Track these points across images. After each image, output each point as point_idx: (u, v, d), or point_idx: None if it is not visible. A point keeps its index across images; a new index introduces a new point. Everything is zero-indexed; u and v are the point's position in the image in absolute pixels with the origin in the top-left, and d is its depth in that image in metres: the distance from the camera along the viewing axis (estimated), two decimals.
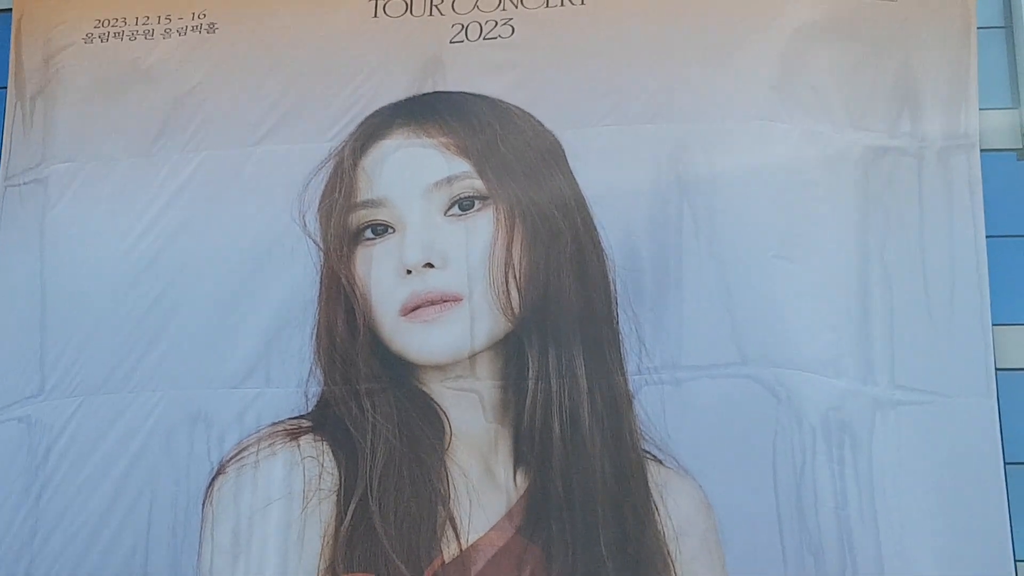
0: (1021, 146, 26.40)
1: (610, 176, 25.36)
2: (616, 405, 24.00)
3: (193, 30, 27.51)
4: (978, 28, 26.15)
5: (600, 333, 24.31)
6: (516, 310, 23.92)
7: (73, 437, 25.28)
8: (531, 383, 23.86)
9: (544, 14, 26.78)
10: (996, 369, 24.36)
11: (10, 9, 28.65)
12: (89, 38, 27.75)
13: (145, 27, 27.72)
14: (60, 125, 27.54)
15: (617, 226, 24.85)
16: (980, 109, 25.86)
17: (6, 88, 28.38)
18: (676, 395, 24.17)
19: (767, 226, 25.30)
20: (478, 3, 27.01)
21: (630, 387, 24.09)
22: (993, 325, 24.62)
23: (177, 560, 24.28)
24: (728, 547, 23.33)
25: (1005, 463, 23.90)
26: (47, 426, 25.38)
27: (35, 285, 26.53)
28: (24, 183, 27.35)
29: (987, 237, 25.12)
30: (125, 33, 27.72)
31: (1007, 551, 23.46)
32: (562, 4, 26.84)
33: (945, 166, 25.39)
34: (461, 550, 23.39)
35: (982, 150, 25.55)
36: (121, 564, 24.53)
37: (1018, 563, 23.30)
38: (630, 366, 24.17)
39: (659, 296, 24.73)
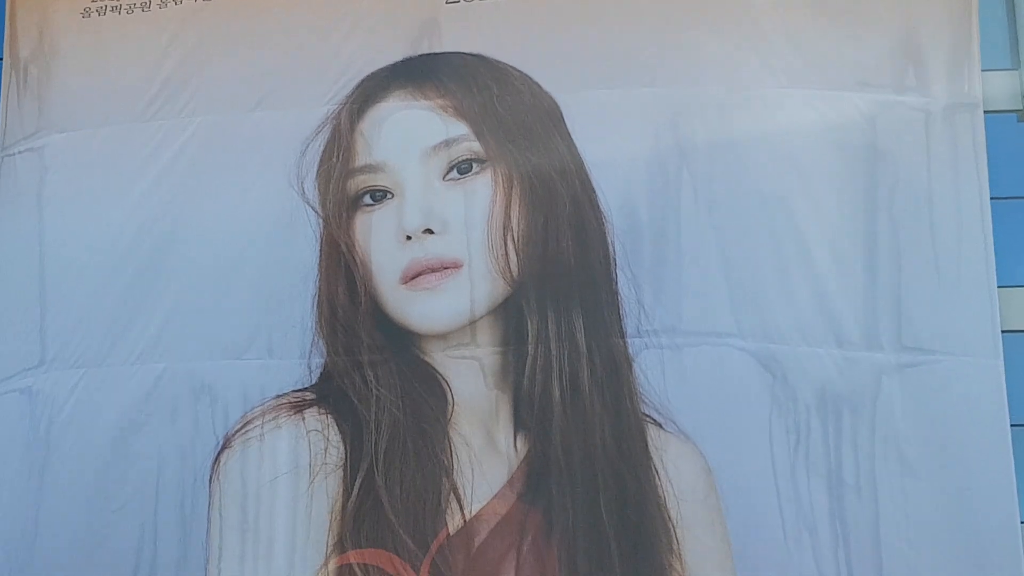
0: (1022, 107, 26.26)
1: (609, 139, 25.08)
2: (615, 368, 23.90)
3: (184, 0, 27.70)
4: None
5: (599, 295, 24.37)
6: (515, 274, 24.14)
7: (76, 409, 25.21)
8: (530, 347, 23.88)
9: None
10: (1002, 331, 24.44)
11: None
12: (87, 12, 27.54)
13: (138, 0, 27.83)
14: (56, 95, 27.40)
15: (616, 189, 24.84)
16: (981, 71, 25.57)
17: (1, 59, 28.22)
18: (676, 360, 24.01)
19: (768, 192, 25.16)
20: None
21: (629, 350, 23.89)
22: (999, 287, 24.60)
23: (186, 535, 24.11)
24: (728, 515, 23.59)
25: (1011, 426, 24.13)
26: (49, 398, 25.29)
27: (34, 256, 26.51)
28: (20, 152, 27.22)
29: (993, 199, 25.07)
30: (122, 7, 27.54)
31: (1013, 513, 23.67)
32: None
33: (950, 124, 25.30)
34: (465, 521, 23.35)
35: (984, 111, 25.29)
36: (129, 539, 24.39)
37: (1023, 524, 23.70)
38: (629, 328, 24.07)
39: (658, 260, 24.65)
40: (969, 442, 24.05)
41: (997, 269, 24.63)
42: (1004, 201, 25.21)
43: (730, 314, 24.38)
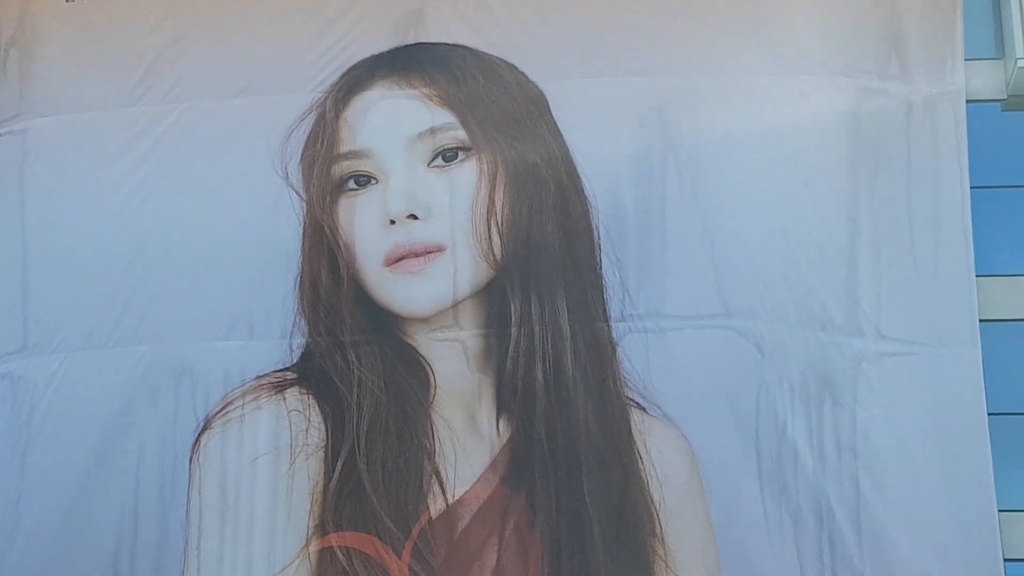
0: (1006, 96, 26.59)
1: (594, 127, 25.66)
2: (599, 352, 24.30)
3: None
4: None
5: (583, 280, 24.59)
6: (498, 257, 24.20)
7: (57, 393, 25.38)
8: (514, 330, 24.00)
9: None
10: (979, 319, 25.07)
11: None
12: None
13: None
14: (38, 79, 27.56)
15: (601, 175, 25.21)
16: (965, 60, 26.04)
17: None
18: (660, 344, 24.52)
19: (753, 179, 25.72)
20: None
21: (613, 334, 24.42)
22: (977, 276, 25.08)
23: (166, 517, 24.32)
24: (710, 500, 23.81)
25: (987, 413, 24.57)
26: (31, 382, 25.48)
27: (16, 240, 26.70)
28: (0, 135, 27.36)
29: (973, 188, 25.23)
30: None
31: (990, 499, 23.97)
32: None
33: (932, 114, 25.87)
34: (447, 505, 23.62)
35: (967, 100, 25.71)
36: (110, 522, 24.61)
37: (1001, 512, 23.81)
38: (613, 312, 24.49)
39: (643, 244, 25.18)
40: (948, 431, 24.27)
41: (977, 258, 24.80)
42: (986, 190, 25.37)
43: (717, 296, 24.50)
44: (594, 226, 24.74)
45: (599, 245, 24.66)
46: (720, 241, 25.15)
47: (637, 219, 25.13)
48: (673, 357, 24.51)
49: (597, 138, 25.49)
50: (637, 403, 23.99)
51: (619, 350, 24.19)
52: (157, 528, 24.35)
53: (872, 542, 23.87)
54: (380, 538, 23.40)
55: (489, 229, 24.24)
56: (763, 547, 23.81)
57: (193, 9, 27.28)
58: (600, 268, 24.67)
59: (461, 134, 24.74)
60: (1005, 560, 23.70)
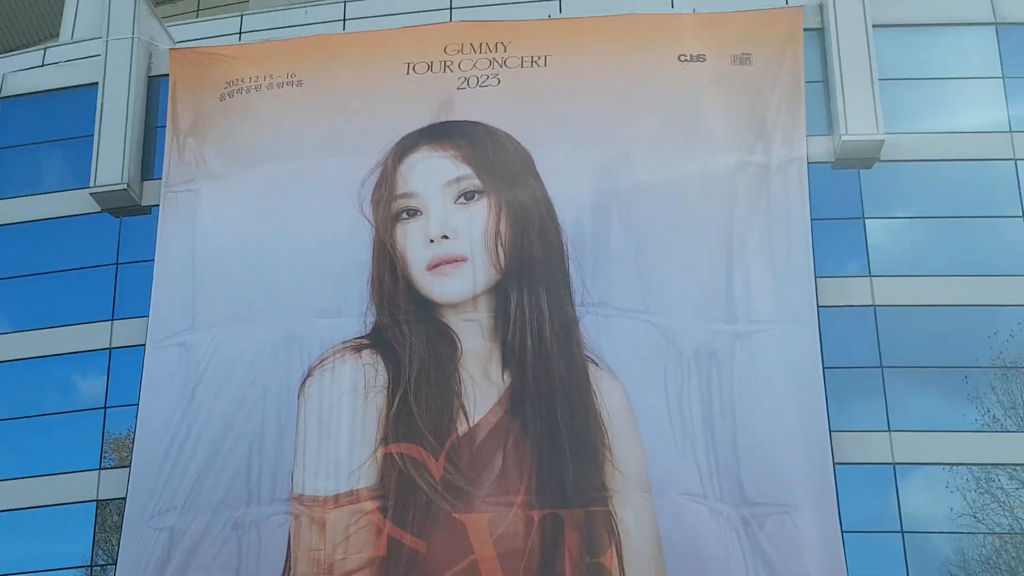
0: (834, 159, 26.51)
1: (564, 178, 26.03)
2: (567, 326, 24.86)
3: (288, 85, 27.68)
4: (805, 82, 26.51)
5: (556, 279, 25.16)
6: (502, 265, 25.00)
7: (213, 355, 25.63)
8: (512, 313, 24.84)
9: (520, 72, 27.22)
10: (818, 306, 24.82)
11: (167, 75, 28.58)
12: (222, 96, 27.94)
13: (256, 84, 27.91)
14: (205, 157, 27.62)
15: (569, 211, 25.73)
16: (807, 135, 26.13)
17: (164, 127, 28.21)
18: (606, 325, 24.85)
19: (668, 218, 25.71)
20: (476, 64, 27.34)
21: (577, 315, 24.92)
22: (817, 277, 25.05)
23: (282, 437, 24.71)
24: (640, 428, 24.00)
25: (824, 368, 24.42)
26: (197, 348, 25.81)
27: (188, 256, 26.83)
28: (179, 192, 27.42)
29: (812, 220, 25.37)
30: (244, 89, 27.96)
31: (824, 433, 23.96)
32: (532, 66, 27.22)
33: (785, 172, 26.03)
34: (469, 427, 24.17)
35: (808, 163, 25.91)
36: (245, 436, 24.92)
37: (832, 433, 23.91)
38: (576, 301, 25.01)
39: (596, 258, 25.49)
40: (797, 381, 24.45)
41: (816, 264, 25.10)
42: (821, 221, 25.54)
43: (640, 297, 24.95)
44: (564, 244, 25.30)
45: (568, 257, 25.19)
46: (644, 260, 25.38)
47: (592, 241, 25.45)
48: (614, 334, 24.83)
49: (566, 186, 25.80)
50: (592, 360, 24.50)
51: (580, 326, 24.71)
52: (277, 444, 24.64)
53: (746, 459, 23.89)
54: (424, 448, 24.20)
55: (496, 246, 25.08)
56: (673, 457, 23.87)
57: (299, 103, 27.34)
58: (568, 272, 25.12)
59: (476, 182, 25.54)
60: (835, 463, 23.66)
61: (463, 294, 25.09)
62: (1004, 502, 24.34)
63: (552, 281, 25.14)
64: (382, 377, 24.80)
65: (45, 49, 31.22)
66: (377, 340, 25.18)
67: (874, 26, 26.87)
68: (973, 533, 23.99)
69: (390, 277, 25.48)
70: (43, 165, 29.04)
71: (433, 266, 25.16)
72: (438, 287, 25.20)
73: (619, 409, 24.38)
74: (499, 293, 25.11)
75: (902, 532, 23.97)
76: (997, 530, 24.18)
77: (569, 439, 24.13)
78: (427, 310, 25.18)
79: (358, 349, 25.12)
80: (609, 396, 24.43)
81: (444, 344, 25.00)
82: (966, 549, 23.93)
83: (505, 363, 24.62)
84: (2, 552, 25.71)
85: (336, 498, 24.12)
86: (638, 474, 23.92)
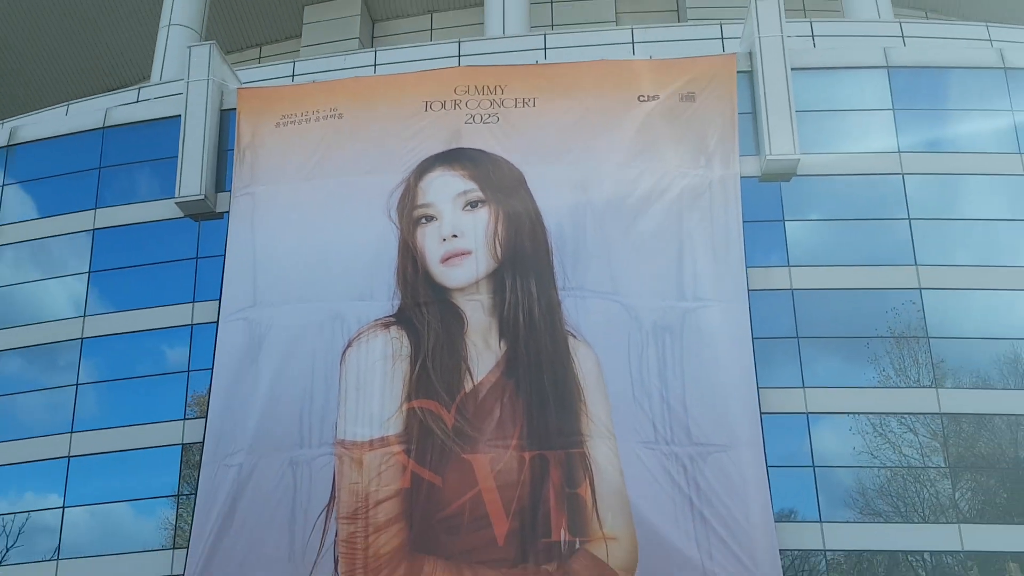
0: (761, 175, 26.90)
1: (549, 192, 26.47)
2: (551, 305, 25.35)
3: (330, 117, 27.96)
4: (738, 114, 26.94)
5: (543, 268, 25.69)
6: (499, 257, 25.67)
7: (271, 328, 26.06)
8: (508, 294, 25.48)
9: (515, 110, 27.48)
10: (748, 289, 25.47)
11: (235, 108, 28.73)
12: (277, 125, 28.26)
13: (304, 116, 28.06)
14: (261, 167, 27.93)
15: (552, 216, 26.34)
16: (740, 156, 26.59)
17: (232, 150, 28.32)
18: (582, 305, 25.38)
19: (630, 222, 26.17)
20: (480, 104, 27.50)
21: (559, 296, 25.37)
22: (747, 266, 25.61)
23: (328, 395, 25.12)
24: (607, 386, 24.69)
25: (753, 338, 25.04)
26: (258, 323, 26.22)
27: (249, 248, 27.17)
28: (240, 196, 27.72)
29: (744, 222, 25.96)
30: (295, 121, 28.15)
31: (752, 376, 24.61)
32: (524, 106, 27.47)
33: (722, 186, 26.47)
34: (474, 385, 24.79)
35: (741, 177, 26.43)
36: (299, 397, 25.25)
37: (760, 388, 24.51)
38: (559, 285, 25.48)
39: (575, 254, 25.85)
40: (730, 348, 25.04)
41: (746, 256, 25.84)
42: (751, 223, 26.30)
43: (610, 282, 25.49)
44: (549, 242, 25.90)
45: (551, 251, 25.82)
46: (612, 254, 25.87)
47: (571, 240, 25.99)
48: (588, 312, 25.32)
49: (550, 198, 26.40)
50: (571, 333, 25.12)
51: (562, 306, 25.28)
52: (323, 397, 25.13)
53: (692, 410, 24.39)
54: (439, 402, 24.70)
55: (494, 243, 25.76)
56: (634, 412, 24.43)
57: (339, 131, 27.76)
58: (552, 263, 25.68)
59: (479, 194, 26.26)
60: (761, 413, 24.17)
61: (468, 280, 25.63)
62: (894, 443, 24.82)
63: (539, 270, 25.61)
64: (406, 348, 25.21)
65: (139, 88, 31.48)
66: (402, 318, 25.58)
67: (792, 69, 27.16)
68: (870, 467, 24.39)
69: (412, 269, 25.94)
70: (138, 180, 29.12)
71: (445, 259, 25.78)
72: (449, 275, 25.75)
73: (592, 371, 24.72)
74: (497, 279, 25.54)
75: (813, 467, 24.43)
76: (888, 464, 24.45)
77: (552, 395, 24.55)
78: (441, 294, 25.61)
79: (387, 326, 25.54)
80: (584, 361, 24.77)
81: (454, 320, 25.36)
82: (864, 480, 24.42)
83: (502, 334, 25.06)
84: (110, 484, 25.97)
85: (371, 443, 24.51)
86: (606, 423, 24.23)
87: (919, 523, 24.13)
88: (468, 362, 24.99)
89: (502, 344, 25.03)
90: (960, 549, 23.75)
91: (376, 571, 23.73)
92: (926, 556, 24.03)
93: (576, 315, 25.38)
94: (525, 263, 25.71)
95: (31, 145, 30.05)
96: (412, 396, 24.77)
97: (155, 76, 33.35)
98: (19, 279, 28.85)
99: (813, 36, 29.47)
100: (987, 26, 29.82)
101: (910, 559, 24.13)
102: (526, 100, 27.52)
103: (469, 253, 25.66)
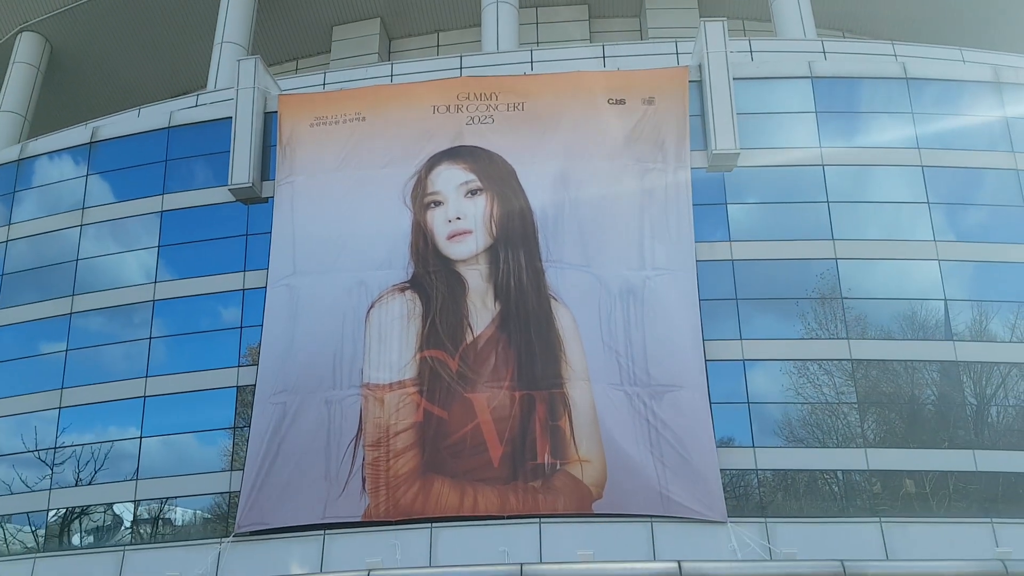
0: (707, 166, 26.33)
1: (536, 182, 26.43)
2: (537, 274, 25.46)
3: (354, 120, 27.76)
4: (689, 115, 26.93)
5: (530, 244, 25.72)
6: (494, 235, 25.82)
7: (306, 291, 25.94)
8: (501, 265, 25.61)
9: (508, 113, 27.28)
10: (697, 260, 25.45)
11: (276, 111, 28.45)
12: (311, 126, 28.11)
13: (334, 119, 27.85)
14: (298, 160, 27.73)
15: (537, 202, 26.42)
16: (691, 150, 26.60)
17: (274, 145, 28.07)
18: (562, 275, 25.40)
19: (599, 208, 26.10)
20: (478, 108, 27.29)
21: (543, 267, 25.50)
22: (696, 241, 25.51)
23: (355, 347, 25.09)
24: (582, 340, 24.70)
25: (700, 299, 25.15)
26: (297, 288, 26.15)
27: (289, 227, 27.09)
28: (282, 184, 27.48)
29: (693, 205, 25.99)
30: (326, 122, 27.96)
31: (699, 334, 24.73)
32: (514, 110, 27.26)
33: (676, 175, 26.49)
34: (474, 337, 24.89)
35: (692, 168, 26.36)
36: (332, 348, 25.23)
37: (706, 341, 24.53)
38: (543, 258, 25.61)
39: (556, 233, 25.85)
40: (682, 308, 25.12)
41: (695, 232, 25.93)
42: (699, 206, 26.44)
43: (583, 256, 25.50)
44: (535, 223, 25.96)
45: (537, 231, 25.91)
46: (585, 232, 25.82)
47: (552, 221, 25.94)
48: (566, 280, 25.33)
49: (536, 188, 26.35)
50: (553, 297, 25.23)
51: (545, 275, 25.41)
52: (351, 351, 25.14)
53: (651, 357, 24.49)
54: (446, 352, 24.84)
55: (491, 224, 25.80)
56: (604, 357, 24.47)
57: (362, 131, 27.54)
58: (537, 240, 25.77)
59: (478, 184, 26.27)
60: (706, 360, 24.29)
61: (469, 253, 25.81)
62: (814, 383, 24.97)
63: (527, 246, 25.75)
64: (418, 308, 25.26)
65: (198, 95, 31.27)
66: (415, 284, 25.66)
67: (734, 79, 27.13)
68: (794, 403, 24.58)
69: (423, 244, 26.01)
70: (197, 171, 28.81)
71: (451, 236, 25.89)
72: (453, 249, 25.90)
73: (570, 327, 24.93)
74: (492, 253, 25.69)
75: (748, 403, 24.56)
76: (809, 401, 24.66)
77: (538, 346, 24.77)
78: (447, 264, 25.75)
79: (403, 290, 25.61)
80: (563, 319, 25.03)
81: (457, 285, 25.52)
82: (789, 413, 24.61)
83: (496, 297, 25.24)
84: (178, 418, 25.93)
85: (390, 385, 24.59)
86: (581, 369, 24.39)
87: (833, 447, 24.34)
88: (469, 319, 25.09)
89: (496, 305, 25.21)
90: (866, 468, 23.97)
91: (395, 488, 23.86)
92: (839, 474, 24.19)
93: (557, 282, 25.49)
94: (515, 240, 25.75)
95: (109, 142, 29.91)
96: (424, 347, 24.87)
97: (210, 84, 33.16)
98: (101, 252, 28.75)
99: (751, 52, 29.43)
100: (893, 44, 29.93)
101: (826, 476, 24.27)
102: (516, 105, 27.36)
103: (470, 232, 25.80)
